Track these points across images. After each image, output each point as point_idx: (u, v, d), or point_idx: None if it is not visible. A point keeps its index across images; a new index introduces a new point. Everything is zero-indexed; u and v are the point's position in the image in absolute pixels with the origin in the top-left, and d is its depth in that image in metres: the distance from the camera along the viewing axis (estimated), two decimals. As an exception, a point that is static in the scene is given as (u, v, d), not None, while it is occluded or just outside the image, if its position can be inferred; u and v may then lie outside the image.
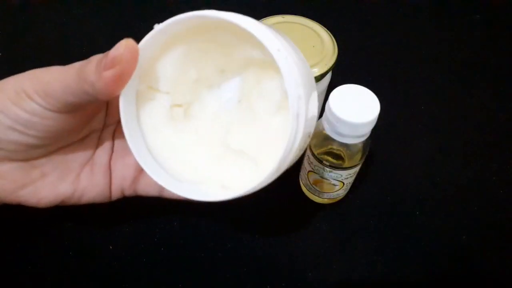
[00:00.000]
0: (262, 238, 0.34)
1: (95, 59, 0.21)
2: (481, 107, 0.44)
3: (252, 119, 0.25)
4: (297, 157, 0.22)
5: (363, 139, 0.28)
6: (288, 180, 0.37)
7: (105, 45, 0.21)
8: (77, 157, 0.27)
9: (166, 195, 0.28)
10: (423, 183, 0.38)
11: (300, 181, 0.37)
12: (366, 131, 0.27)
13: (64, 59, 0.24)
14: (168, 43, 0.22)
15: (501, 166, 0.39)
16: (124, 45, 0.20)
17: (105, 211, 0.30)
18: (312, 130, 0.22)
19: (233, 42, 0.23)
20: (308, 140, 0.23)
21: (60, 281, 0.31)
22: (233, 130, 0.25)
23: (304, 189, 0.36)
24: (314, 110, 0.22)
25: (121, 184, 0.27)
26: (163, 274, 0.32)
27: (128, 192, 0.28)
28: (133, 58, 0.20)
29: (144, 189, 0.28)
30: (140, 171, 0.27)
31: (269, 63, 0.22)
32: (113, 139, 0.28)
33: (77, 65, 0.21)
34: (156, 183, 0.22)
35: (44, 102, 0.21)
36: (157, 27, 0.20)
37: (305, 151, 0.32)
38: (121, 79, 0.20)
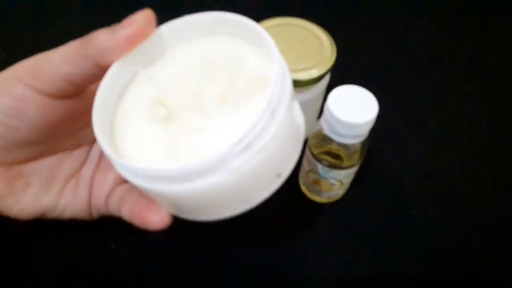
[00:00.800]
0: (261, 237, 0.34)
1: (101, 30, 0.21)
2: (479, 107, 0.44)
3: None
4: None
5: (362, 139, 0.28)
6: (287, 180, 0.37)
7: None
8: (64, 169, 0.26)
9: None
10: (421, 183, 0.38)
11: (300, 180, 0.37)
12: (364, 131, 0.27)
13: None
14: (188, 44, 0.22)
15: (500, 167, 0.39)
16: (142, 12, 0.20)
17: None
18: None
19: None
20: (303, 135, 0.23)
21: (60, 281, 0.31)
22: None
23: (303, 188, 0.37)
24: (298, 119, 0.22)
25: (96, 202, 0.26)
26: (164, 274, 0.32)
27: (103, 210, 0.26)
28: (150, 23, 0.21)
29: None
30: (114, 188, 0.26)
31: None
32: (101, 154, 0.27)
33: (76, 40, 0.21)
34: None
35: (36, 81, 0.21)
36: (186, 18, 0.22)
37: (304, 151, 0.33)
38: (134, 40, 0.20)
